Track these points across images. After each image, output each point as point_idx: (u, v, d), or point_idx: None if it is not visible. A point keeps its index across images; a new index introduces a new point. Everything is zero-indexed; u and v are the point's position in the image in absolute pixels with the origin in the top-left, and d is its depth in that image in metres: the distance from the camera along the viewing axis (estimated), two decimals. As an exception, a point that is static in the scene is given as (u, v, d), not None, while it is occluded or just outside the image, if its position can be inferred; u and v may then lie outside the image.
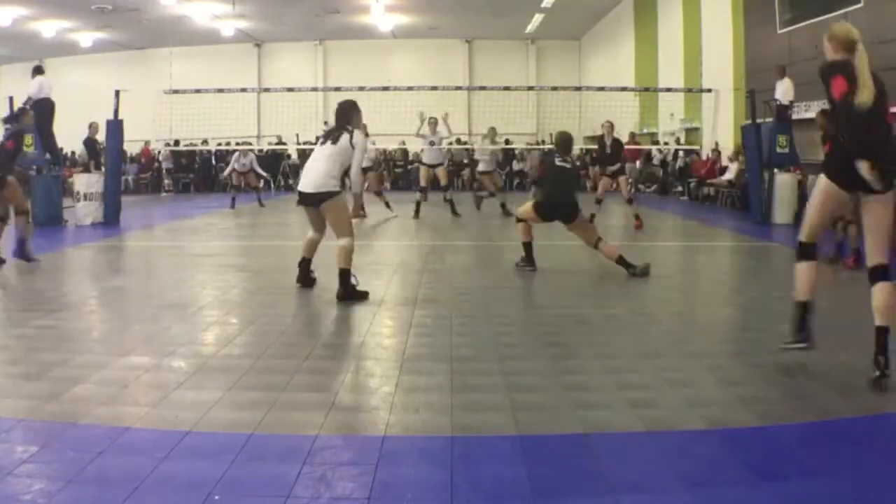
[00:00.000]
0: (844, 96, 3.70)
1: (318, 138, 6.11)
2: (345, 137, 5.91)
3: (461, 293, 6.17)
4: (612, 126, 11.27)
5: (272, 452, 2.87)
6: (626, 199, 11.41)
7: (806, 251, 3.95)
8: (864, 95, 3.69)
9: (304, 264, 6.24)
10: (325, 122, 23.54)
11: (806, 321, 3.97)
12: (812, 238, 3.94)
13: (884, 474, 2.72)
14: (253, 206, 15.52)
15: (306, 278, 6.30)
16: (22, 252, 7.63)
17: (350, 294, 5.71)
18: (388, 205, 13.10)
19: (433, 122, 12.94)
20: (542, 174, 7.23)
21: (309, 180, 5.89)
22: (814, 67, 13.53)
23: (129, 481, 2.59)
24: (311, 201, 5.91)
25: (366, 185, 12.72)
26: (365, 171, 12.85)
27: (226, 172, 17.35)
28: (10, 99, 12.15)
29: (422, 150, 13.57)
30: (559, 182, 7.04)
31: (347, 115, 6.07)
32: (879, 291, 3.71)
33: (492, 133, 13.66)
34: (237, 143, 22.44)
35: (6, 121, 9.56)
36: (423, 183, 13.06)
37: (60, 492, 2.53)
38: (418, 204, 12.68)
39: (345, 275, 5.75)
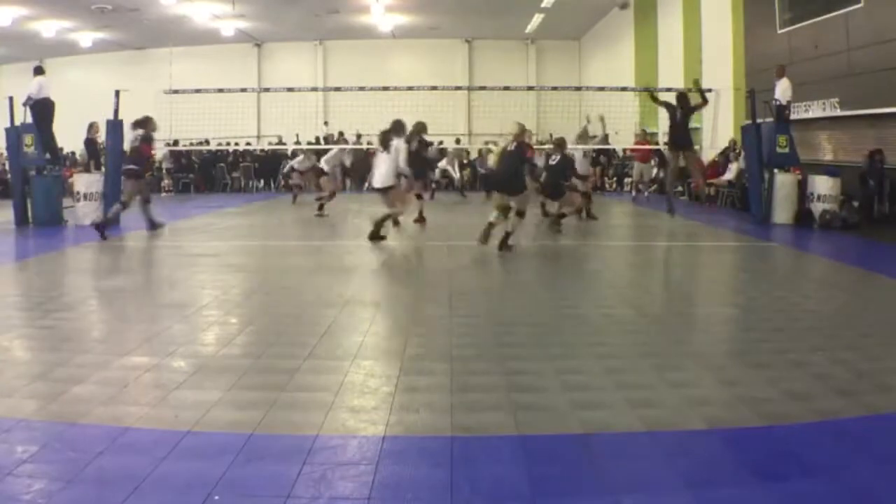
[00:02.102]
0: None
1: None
2: (392, 145, 9.15)
3: (461, 293, 6.17)
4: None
5: (272, 452, 2.88)
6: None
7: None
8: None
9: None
10: (326, 123, 23.57)
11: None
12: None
13: (884, 474, 2.72)
14: (254, 206, 15.53)
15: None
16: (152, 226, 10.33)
17: (377, 236, 9.16)
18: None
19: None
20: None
21: (378, 177, 9.28)
22: (814, 67, 13.60)
23: (129, 481, 2.59)
24: (381, 191, 9.31)
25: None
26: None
27: (285, 170, 18.41)
28: (10, 99, 12.13)
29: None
30: (503, 163, 9.04)
31: (400, 129, 9.45)
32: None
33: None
34: (247, 144, 22.50)
35: (134, 126, 10.91)
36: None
37: (60, 492, 2.53)
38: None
39: (381, 221, 9.21)
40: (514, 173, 8.67)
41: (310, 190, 16.75)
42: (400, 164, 9.18)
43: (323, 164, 16.24)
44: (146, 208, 10.42)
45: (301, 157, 16.61)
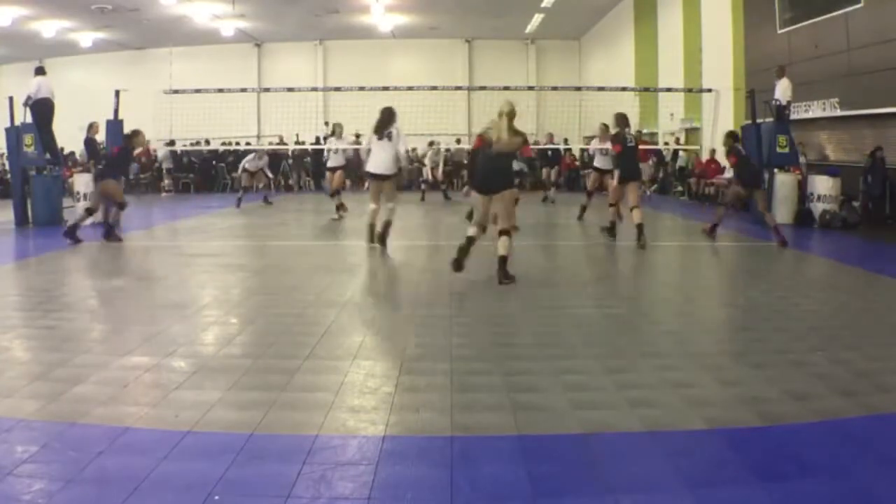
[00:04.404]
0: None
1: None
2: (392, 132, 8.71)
3: (461, 293, 6.17)
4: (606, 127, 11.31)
5: (272, 452, 2.88)
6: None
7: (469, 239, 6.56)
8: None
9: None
10: (326, 123, 23.58)
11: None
12: (484, 223, 6.69)
13: (884, 474, 2.72)
14: (254, 206, 15.52)
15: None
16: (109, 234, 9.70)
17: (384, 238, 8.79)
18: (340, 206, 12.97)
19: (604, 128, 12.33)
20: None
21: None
22: (814, 67, 13.60)
23: (129, 481, 2.59)
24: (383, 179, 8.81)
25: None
26: (333, 169, 13.03)
27: (238, 172, 17.73)
28: (10, 99, 12.14)
29: (594, 156, 13.10)
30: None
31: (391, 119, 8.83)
32: (501, 241, 6.47)
33: (339, 129, 13.28)
34: (247, 144, 22.46)
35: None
36: (590, 187, 12.73)
37: (60, 492, 2.53)
38: (583, 208, 12.48)
39: (387, 227, 8.76)
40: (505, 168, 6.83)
41: (255, 191, 16.42)
42: (399, 150, 8.78)
43: (245, 165, 15.94)
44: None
45: (252, 155, 16.10)
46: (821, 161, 12.64)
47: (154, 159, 22.40)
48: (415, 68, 25.80)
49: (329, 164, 13.23)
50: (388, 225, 8.70)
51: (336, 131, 13.24)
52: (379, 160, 8.70)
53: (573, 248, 9.57)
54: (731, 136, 10.44)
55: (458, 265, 6.52)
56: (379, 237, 8.69)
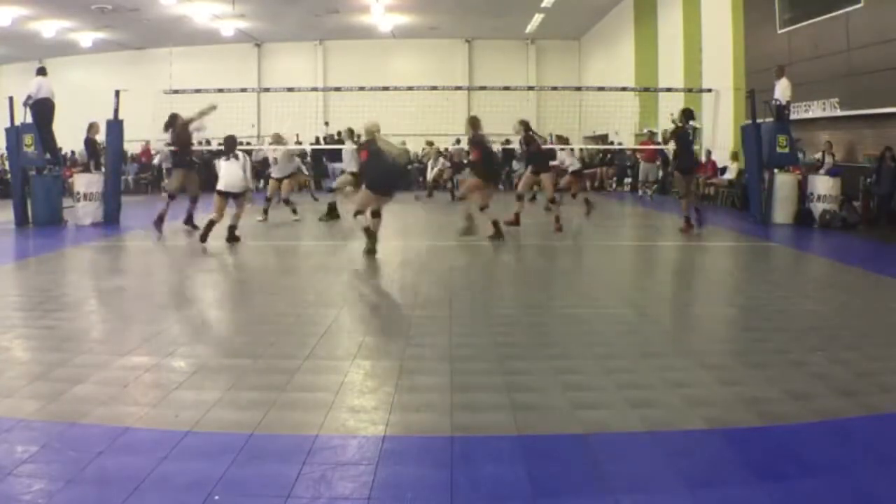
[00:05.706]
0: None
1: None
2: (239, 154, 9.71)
3: (461, 293, 6.17)
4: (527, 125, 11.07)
5: (272, 452, 2.88)
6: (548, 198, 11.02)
7: (374, 213, 8.15)
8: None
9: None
10: (326, 123, 23.58)
11: (373, 235, 8.11)
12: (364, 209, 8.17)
13: (884, 474, 2.72)
14: (254, 207, 15.46)
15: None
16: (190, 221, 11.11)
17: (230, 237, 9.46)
18: (294, 210, 12.63)
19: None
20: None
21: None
22: (814, 67, 13.53)
23: (129, 481, 2.59)
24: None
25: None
26: (279, 179, 12.96)
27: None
28: (10, 99, 12.13)
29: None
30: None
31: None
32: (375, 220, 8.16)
33: (277, 136, 13.25)
34: (247, 144, 22.39)
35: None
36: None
37: (60, 492, 2.53)
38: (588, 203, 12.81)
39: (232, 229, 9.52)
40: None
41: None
42: (247, 172, 9.63)
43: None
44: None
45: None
46: (849, 162, 12.57)
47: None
48: (415, 68, 25.79)
49: (275, 176, 13.00)
50: (232, 228, 9.45)
51: (276, 139, 13.33)
52: (231, 179, 9.41)
53: (573, 248, 9.56)
54: (684, 114, 10.60)
55: (372, 252, 8.10)
56: (231, 237, 9.39)
